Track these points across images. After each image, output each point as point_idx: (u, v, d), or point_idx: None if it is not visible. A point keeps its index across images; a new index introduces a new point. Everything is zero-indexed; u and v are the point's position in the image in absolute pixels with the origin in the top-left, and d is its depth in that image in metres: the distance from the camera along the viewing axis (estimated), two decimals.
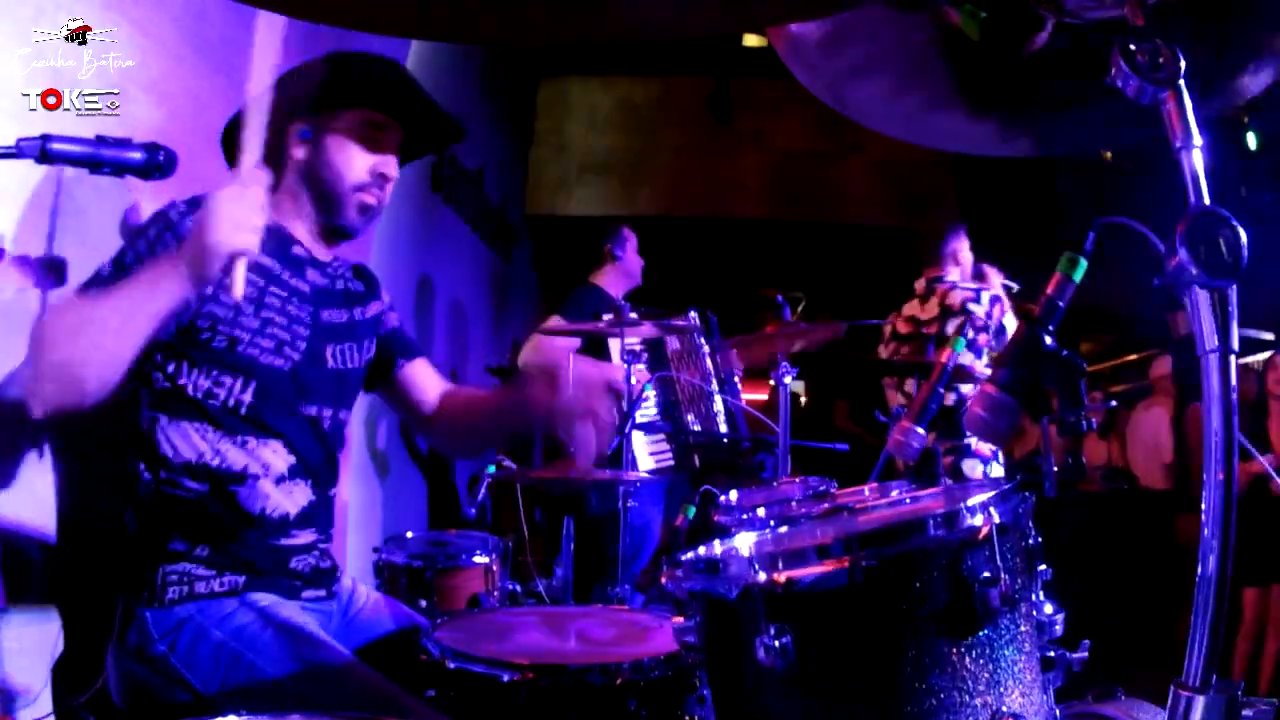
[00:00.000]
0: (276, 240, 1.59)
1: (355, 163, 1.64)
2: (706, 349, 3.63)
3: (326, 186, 1.64)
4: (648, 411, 3.53)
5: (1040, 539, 1.05)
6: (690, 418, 3.57)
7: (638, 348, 3.48)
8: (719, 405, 3.63)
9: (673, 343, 3.57)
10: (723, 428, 3.59)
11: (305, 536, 1.59)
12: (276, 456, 1.54)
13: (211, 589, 1.44)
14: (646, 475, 3.35)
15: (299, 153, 1.64)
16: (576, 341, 3.39)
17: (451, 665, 1.33)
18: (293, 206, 1.66)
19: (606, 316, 3.34)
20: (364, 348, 1.76)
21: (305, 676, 1.36)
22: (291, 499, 1.56)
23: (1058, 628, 1.03)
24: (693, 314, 3.65)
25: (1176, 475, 5.01)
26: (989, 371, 1.14)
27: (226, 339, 1.50)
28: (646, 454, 3.51)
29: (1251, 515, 3.53)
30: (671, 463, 3.52)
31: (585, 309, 3.51)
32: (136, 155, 1.28)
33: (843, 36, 1.23)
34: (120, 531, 1.51)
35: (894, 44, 1.26)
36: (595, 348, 3.43)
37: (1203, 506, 0.86)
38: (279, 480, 1.54)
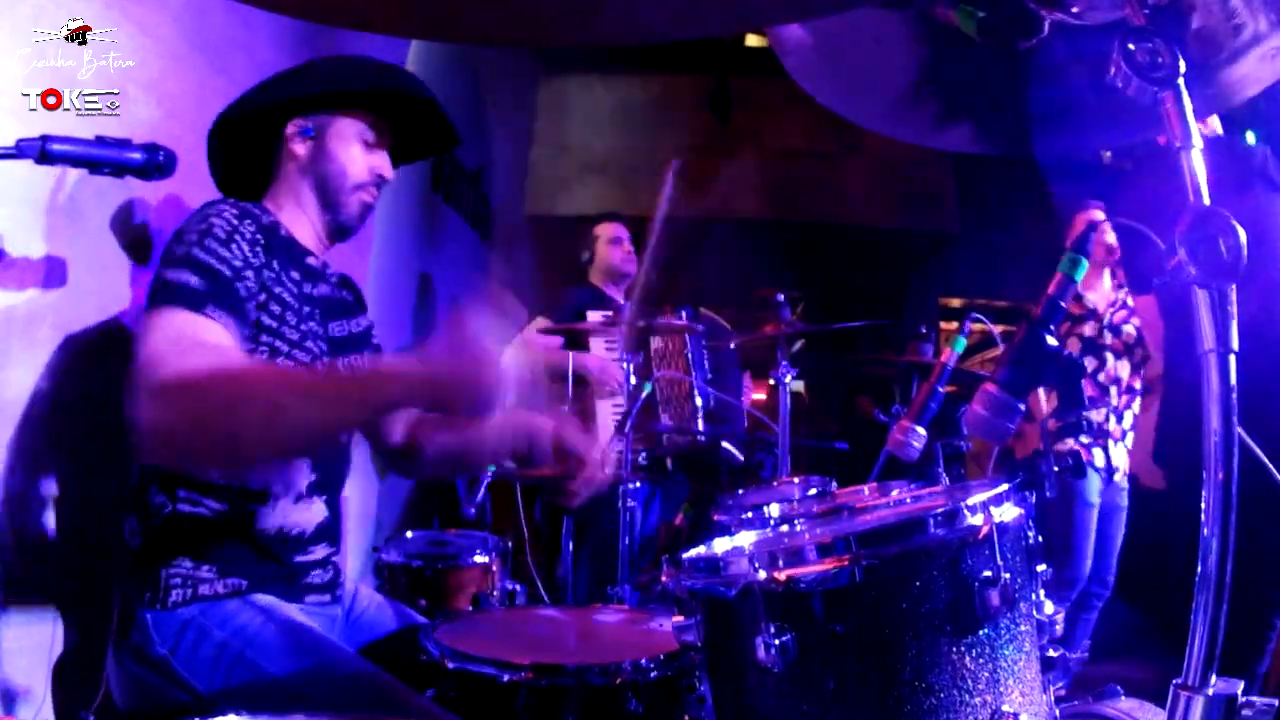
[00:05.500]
0: (290, 250, 1.58)
1: (357, 161, 1.66)
2: (690, 347, 3.62)
3: (331, 182, 1.65)
4: (617, 408, 3.52)
5: (1040, 538, 1.05)
6: (665, 419, 3.56)
7: (612, 341, 3.49)
8: (698, 403, 3.61)
9: (656, 341, 3.58)
10: (700, 430, 3.57)
11: (320, 552, 1.57)
12: (299, 474, 1.52)
13: (215, 590, 1.42)
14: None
15: (300, 149, 1.64)
16: (558, 340, 3.42)
17: (451, 665, 1.33)
18: (294, 204, 1.65)
19: (592, 314, 3.38)
20: (365, 363, 1.71)
21: (308, 675, 1.35)
22: (309, 515, 1.55)
23: (1058, 628, 1.04)
24: (684, 313, 3.64)
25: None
26: None
27: (269, 349, 1.46)
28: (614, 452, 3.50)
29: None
30: (644, 464, 3.50)
31: (567, 308, 3.57)
32: (136, 155, 1.28)
33: (845, 45, 1.24)
34: (118, 535, 1.50)
35: (895, 48, 1.26)
36: (579, 346, 3.46)
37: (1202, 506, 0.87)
38: (298, 498, 1.52)
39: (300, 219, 1.65)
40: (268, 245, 1.48)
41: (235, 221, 1.45)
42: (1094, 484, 3.41)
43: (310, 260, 1.63)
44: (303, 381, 1.31)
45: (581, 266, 3.88)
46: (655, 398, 3.55)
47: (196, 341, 1.29)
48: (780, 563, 0.96)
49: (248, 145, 1.66)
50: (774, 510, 1.58)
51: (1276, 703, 0.89)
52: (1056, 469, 1.16)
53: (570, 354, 3.22)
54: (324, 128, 1.64)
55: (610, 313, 3.49)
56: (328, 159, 1.64)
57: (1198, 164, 0.91)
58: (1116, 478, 3.47)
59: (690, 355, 3.61)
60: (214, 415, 1.17)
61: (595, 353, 3.48)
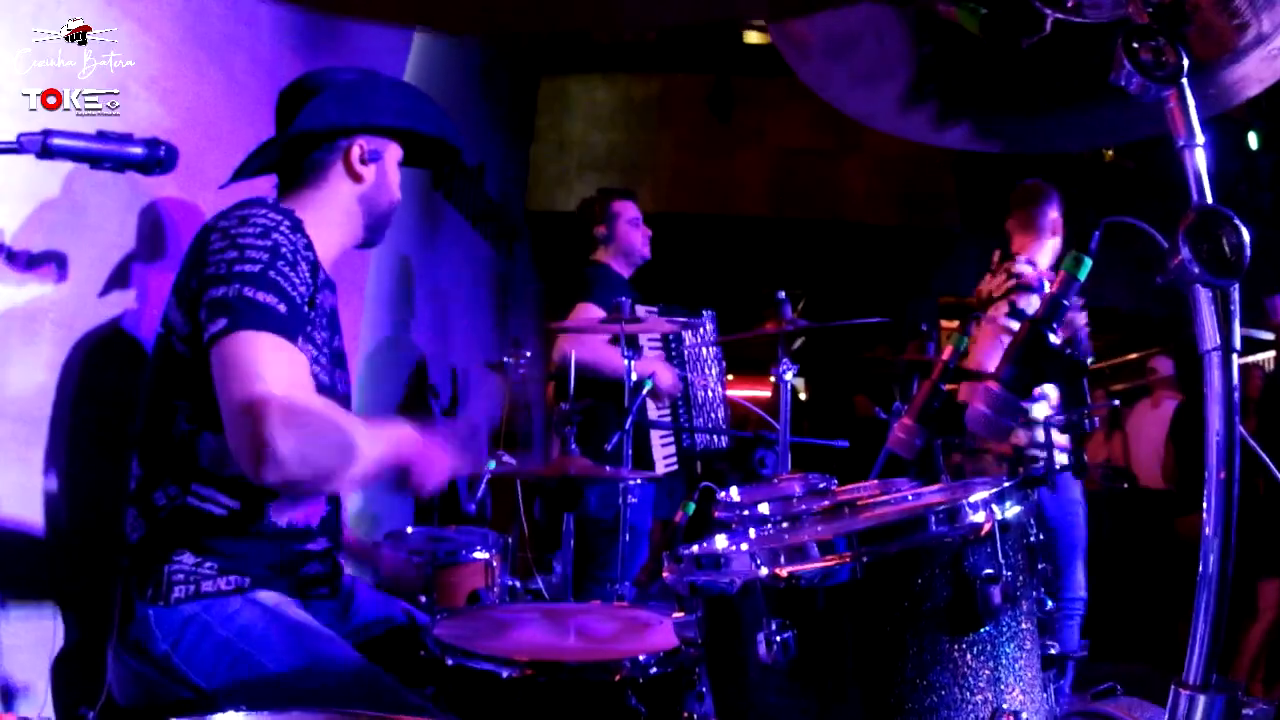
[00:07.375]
0: (317, 263, 1.55)
1: (396, 188, 1.72)
2: (714, 351, 3.62)
3: (382, 210, 1.70)
4: (661, 411, 3.52)
5: (1041, 536, 1.05)
6: (699, 421, 3.57)
7: (654, 343, 3.48)
8: (726, 407, 3.64)
9: (689, 346, 3.56)
10: (727, 431, 3.59)
11: (322, 544, 1.59)
12: None
13: (218, 588, 1.43)
14: (653, 477, 3.34)
15: (364, 172, 1.65)
16: (601, 337, 3.26)
17: (451, 661, 1.33)
18: (332, 218, 1.64)
19: (641, 309, 3.32)
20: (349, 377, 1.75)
21: (308, 672, 1.36)
22: (315, 508, 1.57)
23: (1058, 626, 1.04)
24: (707, 315, 3.63)
25: (1173, 475, 4.98)
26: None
27: None
28: (660, 455, 3.47)
29: (1274, 507, 3.43)
30: (676, 466, 3.50)
31: (604, 294, 3.31)
32: (137, 150, 1.27)
33: (849, 42, 1.23)
34: (118, 531, 1.50)
35: (900, 47, 1.26)
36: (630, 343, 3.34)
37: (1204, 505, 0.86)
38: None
39: (332, 232, 1.63)
40: (311, 263, 1.49)
41: (293, 239, 1.45)
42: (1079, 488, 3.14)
43: (324, 274, 1.61)
44: (364, 432, 1.40)
45: (590, 241, 3.58)
46: (694, 401, 3.55)
47: (303, 372, 1.38)
48: (782, 559, 0.96)
49: (297, 146, 1.63)
50: (775, 507, 1.57)
51: (1276, 702, 0.89)
52: (1056, 468, 1.16)
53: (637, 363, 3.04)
54: (381, 152, 1.67)
55: (646, 305, 3.41)
56: (386, 186, 1.68)
57: (1200, 162, 0.91)
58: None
59: (713, 358, 3.63)
60: (326, 453, 1.33)
61: (644, 354, 3.40)
